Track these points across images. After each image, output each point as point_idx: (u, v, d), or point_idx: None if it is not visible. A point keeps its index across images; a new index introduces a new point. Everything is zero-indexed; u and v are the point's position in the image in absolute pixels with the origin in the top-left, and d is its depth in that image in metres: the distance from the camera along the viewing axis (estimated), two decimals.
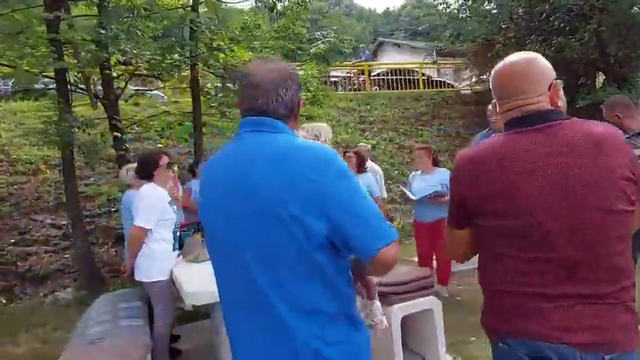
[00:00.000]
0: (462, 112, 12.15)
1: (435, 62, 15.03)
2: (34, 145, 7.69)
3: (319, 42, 6.79)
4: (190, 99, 6.31)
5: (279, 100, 1.17)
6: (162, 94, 11.40)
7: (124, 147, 5.66)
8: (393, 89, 13.59)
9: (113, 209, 6.78)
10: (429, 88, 13.85)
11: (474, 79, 13.03)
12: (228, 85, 6.23)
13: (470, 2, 10.37)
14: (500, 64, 1.28)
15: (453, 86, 14.91)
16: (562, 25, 7.65)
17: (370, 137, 10.45)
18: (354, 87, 13.77)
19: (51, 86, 6.39)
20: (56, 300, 5.25)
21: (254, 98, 1.17)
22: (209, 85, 6.43)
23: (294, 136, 1.19)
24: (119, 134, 5.53)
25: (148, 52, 5.34)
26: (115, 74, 5.74)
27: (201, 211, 1.26)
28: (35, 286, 5.51)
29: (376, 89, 13.79)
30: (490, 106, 1.52)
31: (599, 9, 7.37)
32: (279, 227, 1.06)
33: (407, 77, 13.99)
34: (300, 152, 1.11)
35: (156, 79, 6.16)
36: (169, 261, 3.11)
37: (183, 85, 7.60)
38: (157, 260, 3.03)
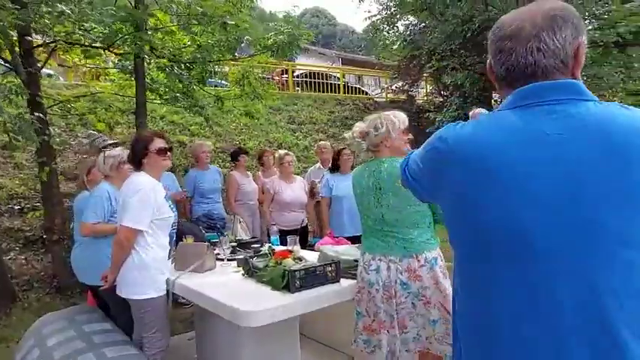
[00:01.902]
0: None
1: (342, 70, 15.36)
2: None
3: (273, 33, 6.36)
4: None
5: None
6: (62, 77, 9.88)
7: (47, 132, 4.63)
8: (314, 91, 13.53)
9: (17, 207, 5.56)
10: (348, 93, 14.09)
11: (393, 88, 13.58)
12: (175, 68, 5.54)
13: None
14: None
15: (367, 93, 15.42)
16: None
17: (302, 138, 10.24)
18: (278, 86, 13.42)
19: None
20: None
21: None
22: (151, 66, 5.63)
23: None
24: (41, 114, 4.49)
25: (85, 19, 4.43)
26: (39, 42, 4.69)
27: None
28: None
29: (298, 90, 13.62)
30: None
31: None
32: None
33: (328, 81, 14.06)
34: None
35: (104, 51, 5.15)
36: (165, 272, 2.53)
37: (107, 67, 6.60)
38: (151, 271, 2.43)
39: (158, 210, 2.40)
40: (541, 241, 0.87)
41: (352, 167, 4.48)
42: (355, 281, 2.34)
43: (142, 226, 2.34)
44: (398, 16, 11.87)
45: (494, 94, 11.33)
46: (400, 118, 2.20)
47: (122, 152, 3.05)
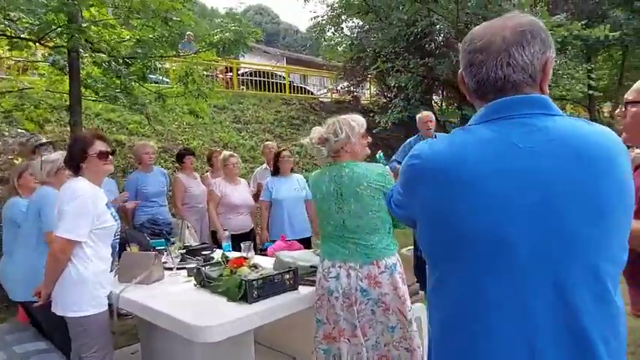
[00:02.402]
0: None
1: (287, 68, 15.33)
2: None
3: (218, 30, 6.16)
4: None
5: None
6: None
7: None
8: (259, 90, 13.35)
9: None
10: (293, 93, 14.03)
11: (338, 89, 13.69)
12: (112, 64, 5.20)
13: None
14: None
15: (312, 93, 15.44)
16: (433, 47, 8.61)
17: (248, 138, 10.05)
18: (222, 84, 13.09)
19: None
20: None
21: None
22: (85, 62, 5.25)
23: None
24: None
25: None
26: None
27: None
28: None
29: (243, 89, 13.37)
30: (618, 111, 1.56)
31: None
32: None
33: (273, 80, 13.91)
34: None
35: (35, 44, 4.69)
36: (106, 287, 2.34)
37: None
38: (90, 286, 2.24)
39: (98, 219, 2.21)
40: (516, 248, 0.88)
41: (292, 170, 4.45)
42: (313, 288, 2.30)
43: (79, 237, 2.14)
44: (343, 18, 11.99)
45: (434, 97, 11.79)
46: (359, 122, 2.19)
47: (61, 157, 2.82)
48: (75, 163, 2.25)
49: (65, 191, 2.18)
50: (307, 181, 4.20)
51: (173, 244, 3.23)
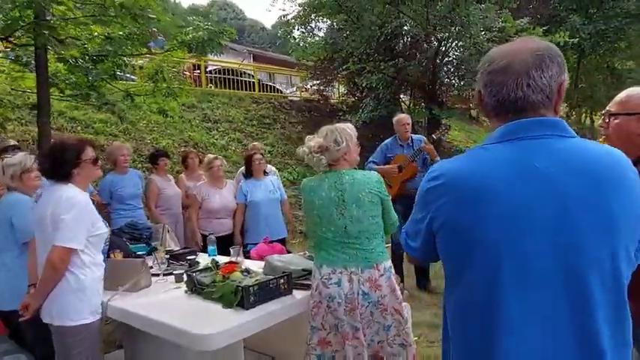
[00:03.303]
0: (298, 117, 12.64)
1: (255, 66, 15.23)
2: None
3: (191, 28, 6.04)
4: None
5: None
6: None
7: None
8: (228, 88, 13.17)
9: None
10: (262, 91, 13.93)
11: (307, 87, 13.71)
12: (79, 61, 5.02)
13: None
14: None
15: (281, 92, 15.38)
16: (402, 48, 8.78)
17: (218, 137, 9.91)
18: (190, 82, 12.80)
19: None
20: None
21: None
22: (51, 59, 5.03)
23: None
24: None
25: None
26: None
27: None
28: None
29: (211, 87, 13.14)
30: (637, 124, 1.64)
31: (437, 39, 8.76)
32: None
33: (242, 78, 13.76)
34: None
35: (1, 41, 4.44)
36: (101, 293, 2.30)
37: None
38: (88, 293, 2.19)
39: (93, 225, 2.17)
40: (535, 262, 0.94)
41: (265, 172, 4.46)
42: (307, 292, 2.32)
43: (78, 244, 2.10)
44: (312, 16, 12.00)
45: (402, 96, 12.00)
46: (353, 130, 2.23)
47: (24, 158, 2.71)
48: (67, 169, 2.18)
49: (59, 200, 2.11)
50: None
51: (155, 249, 3.17)
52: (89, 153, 2.25)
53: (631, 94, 1.66)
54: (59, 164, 2.18)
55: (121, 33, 5.43)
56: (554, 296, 0.93)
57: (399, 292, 2.13)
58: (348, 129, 2.21)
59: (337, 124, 2.26)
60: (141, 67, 7.25)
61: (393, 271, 2.15)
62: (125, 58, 5.90)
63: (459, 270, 1.05)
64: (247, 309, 2.08)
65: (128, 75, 8.66)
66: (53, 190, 2.18)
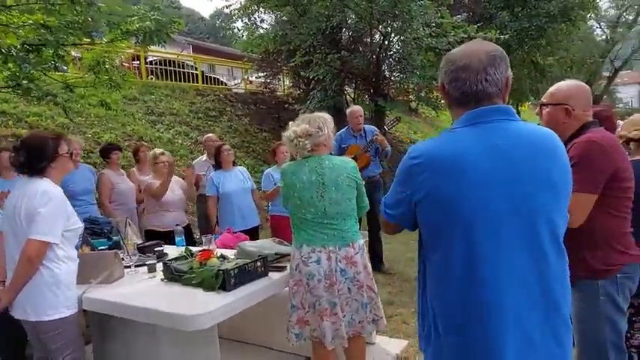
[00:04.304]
0: (244, 110, 12.56)
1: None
2: None
3: (137, 18, 5.86)
4: None
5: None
6: None
7: None
8: (170, 80, 12.79)
9: None
10: (206, 83, 13.67)
11: (252, 80, 13.62)
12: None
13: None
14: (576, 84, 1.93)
15: (225, 84, 15.16)
16: (347, 41, 9.00)
17: (164, 131, 9.66)
18: (130, 73, 12.25)
19: None
20: None
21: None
22: None
23: None
24: None
25: None
26: None
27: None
28: None
29: (152, 78, 12.69)
30: (563, 112, 1.95)
31: (381, 34, 9.06)
32: None
33: (185, 70, 13.40)
34: None
35: None
36: (75, 287, 2.30)
37: None
38: (63, 287, 2.20)
39: (69, 220, 2.18)
40: (501, 212, 1.20)
41: (234, 163, 4.52)
42: (282, 273, 2.47)
43: (54, 238, 2.10)
44: (255, 7, 11.91)
45: (347, 88, 12.28)
46: (331, 120, 2.40)
47: None
48: (44, 164, 2.16)
49: (34, 193, 2.09)
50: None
51: (117, 243, 3.15)
52: (65, 147, 2.25)
53: (559, 88, 2.01)
54: (36, 158, 2.15)
55: (60, 20, 5.17)
56: (515, 233, 1.20)
57: (370, 269, 2.33)
58: (327, 118, 2.37)
59: (317, 113, 2.41)
60: (80, 59, 6.89)
61: (365, 249, 2.35)
62: (66, 49, 5.63)
63: (439, 231, 1.26)
64: (229, 291, 2.18)
65: (58, 65, 8.19)
66: (26, 184, 2.15)
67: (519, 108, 18.08)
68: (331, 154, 4.78)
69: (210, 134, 6.12)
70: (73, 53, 7.20)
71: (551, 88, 2.04)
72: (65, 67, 8.25)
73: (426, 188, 1.25)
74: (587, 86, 2.04)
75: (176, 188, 4.30)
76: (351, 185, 2.27)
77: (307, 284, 2.25)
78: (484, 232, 1.20)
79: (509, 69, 1.31)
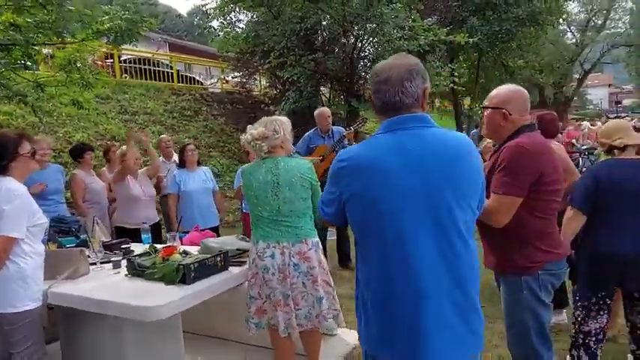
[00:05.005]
0: (220, 110, 12.59)
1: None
2: None
3: (108, 17, 5.88)
4: None
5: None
6: None
7: None
8: (144, 79, 12.72)
9: None
10: (182, 82, 13.64)
11: (228, 79, 13.66)
12: None
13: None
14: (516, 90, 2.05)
15: (201, 83, 15.14)
16: (321, 43, 9.16)
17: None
18: (104, 72, 12.13)
19: None
20: None
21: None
22: None
23: None
24: None
25: None
26: None
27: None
28: None
29: (126, 77, 12.60)
30: (500, 116, 2.09)
31: (354, 36, 9.24)
32: None
33: (159, 69, 13.33)
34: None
35: None
36: (41, 281, 2.39)
37: None
38: (29, 282, 2.30)
39: (34, 216, 2.27)
40: (412, 205, 1.37)
41: (199, 162, 4.63)
42: (242, 268, 2.61)
43: (20, 234, 2.20)
44: (231, 7, 11.95)
45: (322, 89, 12.45)
46: (289, 122, 2.56)
47: None
48: (4, 162, 2.24)
49: (5, 191, 2.18)
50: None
51: (85, 241, 3.23)
52: (26, 147, 2.33)
53: (498, 92, 2.12)
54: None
55: (29, 20, 5.17)
56: (424, 226, 1.37)
57: (326, 265, 2.49)
58: (284, 121, 2.52)
59: (275, 116, 2.56)
60: (52, 57, 6.86)
61: (321, 246, 2.51)
62: (37, 48, 5.62)
63: (362, 226, 1.45)
64: (189, 284, 2.31)
65: (28, 65, 8.10)
66: None
67: None
68: (299, 154, 5.02)
69: (163, 135, 6.20)
70: (44, 51, 7.16)
71: (492, 92, 2.14)
72: (35, 66, 8.21)
73: (351, 189, 1.43)
74: (525, 91, 2.14)
75: (146, 184, 4.37)
76: (305, 185, 2.42)
77: (263, 277, 2.40)
78: (397, 226, 1.36)
79: (427, 81, 1.48)
